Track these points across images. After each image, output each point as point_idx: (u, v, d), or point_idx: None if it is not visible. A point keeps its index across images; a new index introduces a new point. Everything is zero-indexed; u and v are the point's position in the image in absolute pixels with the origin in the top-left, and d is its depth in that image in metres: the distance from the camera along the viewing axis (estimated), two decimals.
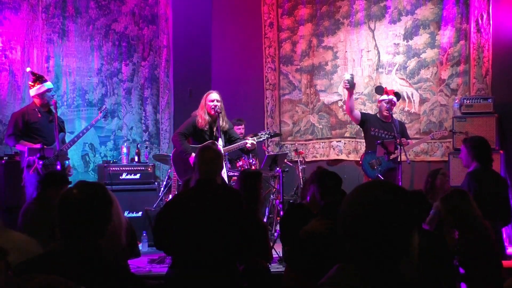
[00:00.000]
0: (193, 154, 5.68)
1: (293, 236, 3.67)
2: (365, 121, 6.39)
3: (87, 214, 2.03)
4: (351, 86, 6.17)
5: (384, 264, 1.47)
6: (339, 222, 1.53)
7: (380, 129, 6.28)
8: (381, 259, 1.46)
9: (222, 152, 5.32)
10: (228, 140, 5.81)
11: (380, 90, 6.48)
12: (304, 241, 3.47)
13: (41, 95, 5.98)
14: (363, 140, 6.78)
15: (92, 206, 2.04)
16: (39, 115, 5.96)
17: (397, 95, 6.49)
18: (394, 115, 7.02)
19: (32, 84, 6.02)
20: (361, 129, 6.76)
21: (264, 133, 5.94)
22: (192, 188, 3.48)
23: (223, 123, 5.72)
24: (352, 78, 6.26)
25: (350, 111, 6.39)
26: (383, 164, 6.08)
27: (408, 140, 6.39)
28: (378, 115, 6.45)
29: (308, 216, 3.75)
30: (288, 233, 3.79)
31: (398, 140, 5.84)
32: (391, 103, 6.33)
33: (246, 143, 5.68)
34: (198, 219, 3.22)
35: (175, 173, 6.32)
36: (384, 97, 6.36)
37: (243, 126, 7.29)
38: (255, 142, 5.72)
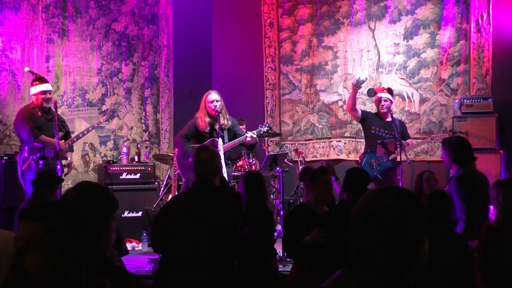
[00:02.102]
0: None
1: (295, 235, 3.70)
2: (365, 118, 6.38)
3: (82, 216, 2.00)
4: (357, 86, 6.20)
5: (389, 271, 1.46)
6: (349, 227, 1.52)
7: (381, 128, 6.27)
8: (387, 266, 1.46)
9: (222, 151, 5.32)
10: (234, 137, 5.79)
11: (371, 92, 6.48)
12: (305, 249, 3.55)
13: (36, 95, 5.99)
14: (363, 140, 6.77)
15: (91, 207, 2.02)
16: (39, 114, 5.99)
17: (390, 90, 6.48)
18: (394, 115, 7.01)
19: (32, 83, 6.06)
20: (361, 128, 6.75)
21: (263, 125, 5.91)
22: (189, 190, 3.47)
23: (224, 121, 5.71)
24: (365, 80, 6.34)
25: (351, 108, 6.39)
26: (382, 164, 6.07)
27: (408, 140, 6.37)
28: (377, 113, 6.44)
29: (311, 216, 3.76)
30: (291, 232, 3.79)
31: (398, 140, 5.83)
32: (386, 101, 6.32)
33: (246, 137, 5.67)
34: (194, 220, 3.21)
35: (176, 174, 6.31)
36: (379, 95, 6.36)
37: (244, 126, 7.29)
38: (255, 136, 5.69)
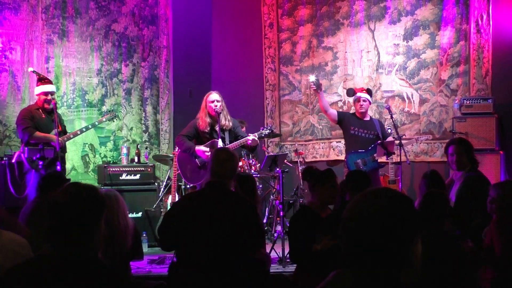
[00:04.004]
0: (197, 147, 5.67)
1: (303, 242, 3.68)
2: (342, 120, 6.37)
3: (73, 218, 1.99)
4: (317, 87, 6.17)
5: (383, 271, 1.46)
6: (341, 227, 1.53)
7: (360, 128, 6.26)
8: (380, 267, 1.46)
9: None
10: (235, 139, 5.79)
11: (351, 92, 6.48)
12: (315, 256, 3.54)
13: (38, 96, 6.01)
14: None
15: (79, 209, 2.00)
16: (43, 116, 5.99)
17: (369, 91, 6.48)
18: (394, 116, 7.02)
19: (36, 83, 6.08)
20: None
21: (265, 128, 5.91)
22: (201, 190, 3.45)
23: (225, 122, 5.71)
24: (317, 79, 6.25)
25: (325, 110, 6.38)
26: (368, 165, 6.07)
27: (388, 138, 6.31)
28: (355, 114, 6.43)
29: (316, 220, 3.74)
30: (298, 239, 3.76)
31: (380, 139, 5.88)
32: (365, 101, 6.31)
33: (248, 139, 5.66)
34: (203, 221, 3.19)
35: (176, 174, 6.31)
36: (358, 95, 6.36)
37: (244, 129, 7.28)
38: (256, 138, 5.69)
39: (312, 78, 6.21)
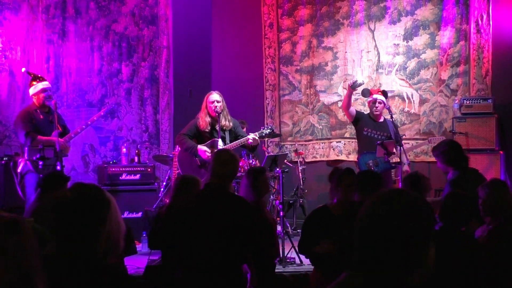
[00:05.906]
0: (199, 146, 5.66)
1: (309, 238, 3.73)
2: (359, 119, 6.37)
3: (79, 217, 1.99)
4: (353, 88, 6.18)
5: (393, 274, 1.46)
6: (355, 229, 1.52)
7: (373, 130, 6.26)
8: (391, 269, 1.46)
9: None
10: (235, 138, 5.79)
11: (366, 92, 6.46)
12: (318, 256, 3.58)
13: (36, 95, 5.95)
14: None
15: (85, 209, 2.00)
16: (41, 116, 5.94)
17: (384, 93, 6.46)
18: (394, 115, 7.01)
19: (30, 84, 6.03)
20: None
21: (266, 127, 5.91)
22: (200, 192, 3.43)
23: (225, 122, 5.72)
24: (361, 84, 6.26)
25: (346, 107, 6.39)
26: (380, 165, 6.05)
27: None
28: (370, 115, 6.43)
29: (328, 218, 3.73)
30: (311, 235, 3.78)
31: (396, 141, 5.80)
32: (381, 103, 6.31)
33: (248, 139, 5.66)
34: (202, 223, 3.18)
35: (175, 174, 6.31)
36: (374, 96, 6.35)
37: (245, 129, 7.27)
38: (257, 138, 5.69)
39: (360, 79, 6.32)
